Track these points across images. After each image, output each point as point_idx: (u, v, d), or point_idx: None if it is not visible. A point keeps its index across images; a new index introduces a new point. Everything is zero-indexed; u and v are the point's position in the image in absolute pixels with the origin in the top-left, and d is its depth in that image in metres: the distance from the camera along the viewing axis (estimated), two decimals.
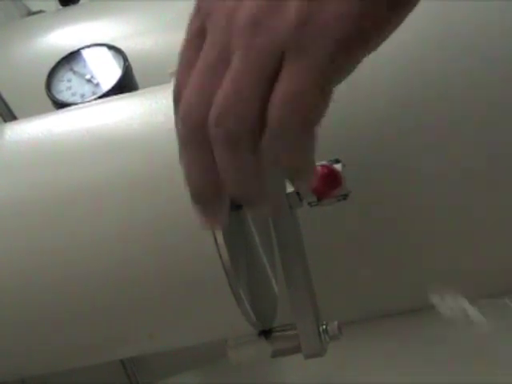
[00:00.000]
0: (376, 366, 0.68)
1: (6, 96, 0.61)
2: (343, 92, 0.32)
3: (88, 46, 0.61)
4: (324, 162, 0.47)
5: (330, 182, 0.46)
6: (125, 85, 0.57)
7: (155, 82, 0.49)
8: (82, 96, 0.58)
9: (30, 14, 0.89)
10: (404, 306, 0.68)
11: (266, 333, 0.48)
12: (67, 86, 0.59)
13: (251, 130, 0.30)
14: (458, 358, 0.65)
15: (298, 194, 0.46)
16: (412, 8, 0.30)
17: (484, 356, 0.64)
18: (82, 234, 0.43)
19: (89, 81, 0.59)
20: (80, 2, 0.88)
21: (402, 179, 0.62)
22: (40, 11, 0.89)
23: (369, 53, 0.30)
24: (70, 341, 0.46)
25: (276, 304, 0.51)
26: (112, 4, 0.75)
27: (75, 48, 0.61)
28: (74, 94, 0.58)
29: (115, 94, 0.54)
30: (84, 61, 0.60)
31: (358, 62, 0.30)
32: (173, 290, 0.43)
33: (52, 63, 0.60)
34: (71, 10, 0.81)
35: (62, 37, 0.71)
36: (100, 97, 0.56)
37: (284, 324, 0.48)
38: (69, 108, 0.52)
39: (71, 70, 0.60)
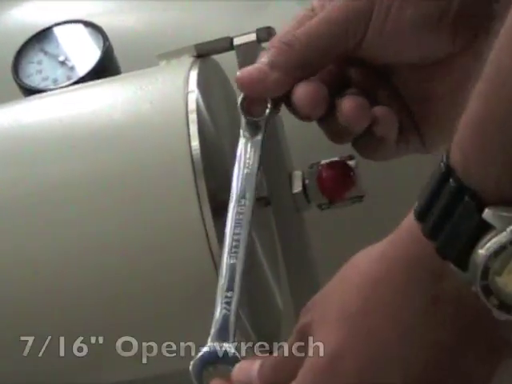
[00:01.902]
0: None
1: None
2: None
3: (62, 23, 0.58)
4: (336, 159, 0.44)
5: (343, 181, 0.43)
6: (104, 68, 0.55)
7: (140, 65, 0.48)
8: (55, 81, 0.56)
9: None
10: None
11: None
12: (37, 69, 0.56)
13: None
14: None
15: (305, 194, 0.44)
16: None
17: None
18: (55, 240, 0.41)
19: (63, 63, 0.56)
20: None
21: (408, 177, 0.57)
22: None
23: None
24: (52, 363, 0.44)
25: (280, 320, 0.49)
26: None
27: (47, 25, 0.58)
28: (45, 79, 0.56)
29: (93, 78, 0.53)
30: (57, 40, 0.58)
31: None
32: (168, 307, 0.41)
33: (20, 42, 0.57)
34: None
35: (31, 12, 0.69)
36: (76, 82, 0.54)
37: None
38: (39, 95, 0.51)
39: (42, 50, 0.57)
